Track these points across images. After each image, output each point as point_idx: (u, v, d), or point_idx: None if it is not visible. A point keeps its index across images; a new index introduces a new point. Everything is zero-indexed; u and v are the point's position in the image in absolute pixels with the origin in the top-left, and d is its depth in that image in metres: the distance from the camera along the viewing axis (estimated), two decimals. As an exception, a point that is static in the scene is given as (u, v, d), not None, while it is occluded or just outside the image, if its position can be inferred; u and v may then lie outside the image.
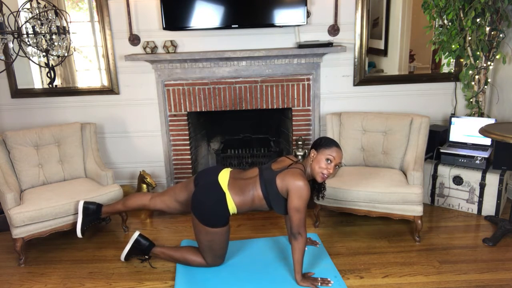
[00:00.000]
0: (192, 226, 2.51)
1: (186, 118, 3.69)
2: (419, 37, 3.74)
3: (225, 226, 2.44)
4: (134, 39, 3.51)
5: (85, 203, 2.81)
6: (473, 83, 3.44)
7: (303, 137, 3.65)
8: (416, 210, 2.79)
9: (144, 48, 3.46)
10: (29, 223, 2.70)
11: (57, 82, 3.70)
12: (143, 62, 3.56)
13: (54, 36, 2.78)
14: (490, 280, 2.40)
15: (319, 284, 2.36)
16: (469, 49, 3.30)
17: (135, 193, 2.89)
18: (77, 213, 2.82)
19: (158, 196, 2.74)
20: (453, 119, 3.43)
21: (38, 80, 3.71)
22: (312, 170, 2.41)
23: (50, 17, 2.72)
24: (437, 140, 3.44)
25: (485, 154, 3.18)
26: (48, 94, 3.65)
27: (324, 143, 2.40)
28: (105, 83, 3.65)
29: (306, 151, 3.60)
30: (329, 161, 2.36)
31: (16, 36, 2.60)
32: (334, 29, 3.52)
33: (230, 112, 3.82)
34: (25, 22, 2.69)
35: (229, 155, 4.05)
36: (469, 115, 3.55)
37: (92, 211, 2.81)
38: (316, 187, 2.55)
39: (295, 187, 2.27)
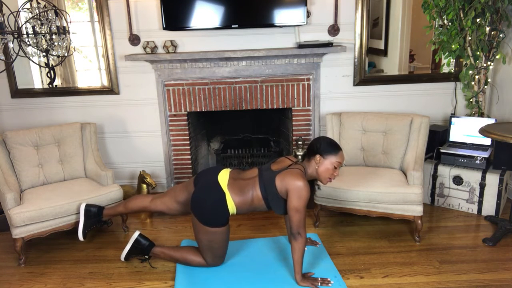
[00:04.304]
0: (192, 226, 2.51)
1: (186, 118, 3.69)
2: (419, 37, 3.74)
3: (224, 226, 2.44)
4: (134, 39, 3.51)
5: (87, 205, 2.81)
6: (473, 83, 3.44)
7: (303, 137, 3.65)
8: (416, 210, 2.79)
9: (144, 48, 3.46)
10: (29, 223, 2.70)
11: (57, 82, 3.70)
12: (143, 62, 3.57)
13: (54, 36, 2.78)
14: (490, 280, 2.40)
15: (319, 284, 2.36)
16: (469, 49, 3.30)
17: (136, 195, 2.89)
18: (77, 213, 2.83)
19: (159, 198, 2.74)
20: (453, 119, 3.43)
21: (38, 80, 3.71)
22: (318, 175, 2.42)
23: (50, 17, 2.72)
24: (437, 140, 3.44)
25: (485, 154, 3.18)
26: (48, 94, 3.65)
27: (329, 148, 2.39)
28: (105, 83, 3.65)
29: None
30: (336, 168, 2.41)
31: (16, 36, 2.60)
32: (334, 29, 3.52)
33: (230, 112, 3.82)
34: (25, 22, 2.69)
35: (229, 155, 4.05)
36: (469, 115, 3.55)
37: (94, 213, 2.82)
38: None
39: (294, 187, 2.27)
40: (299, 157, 3.51)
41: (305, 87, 3.62)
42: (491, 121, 3.22)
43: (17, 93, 3.63)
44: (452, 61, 3.53)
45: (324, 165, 2.39)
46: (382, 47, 3.85)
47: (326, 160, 2.39)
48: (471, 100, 3.50)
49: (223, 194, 2.38)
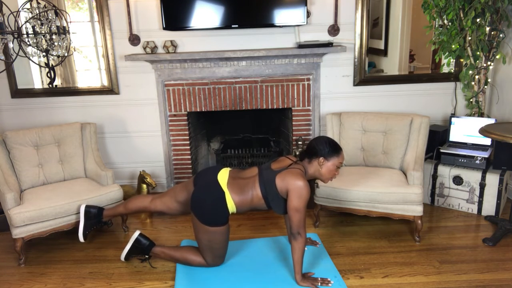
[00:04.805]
0: (192, 225, 2.51)
1: (186, 118, 3.69)
2: (419, 37, 3.74)
3: (224, 225, 2.44)
4: (134, 39, 3.51)
5: (87, 206, 2.81)
6: (473, 83, 3.44)
7: (303, 137, 3.65)
8: (416, 210, 2.79)
9: (144, 48, 3.46)
10: (29, 223, 2.70)
11: (57, 82, 3.70)
12: (143, 62, 3.56)
13: (54, 36, 2.78)
14: (490, 280, 2.40)
15: (319, 284, 2.36)
16: (469, 49, 3.30)
17: (136, 196, 2.89)
18: (77, 213, 2.83)
19: (159, 198, 2.74)
20: (453, 119, 3.43)
21: (38, 80, 3.71)
22: (321, 176, 2.44)
23: (50, 17, 2.72)
24: (437, 140, 3.44)
25: (485, 154, 3.17)
26: (48, 94, 3.65)
27: (332, 151, 2.40)
28: (105, 83, 3.65)
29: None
30: (338, 168, 2.45)
31: (16, 36, 2.60)
32: (334, 29, 3.52)
33: (230, 112, 3.82)
34: (25, 22, 2.69)
35: (229, 155, 4.04)
36: (469, 115, 3.55)
37: (94, 214, 2.82)
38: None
39: (295, 187, 2.27)
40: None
41: (305, 87, 3.62)
42: (491, 121, 3.22)
43: (17, 93, 3.63)
44: (452, 61, 3.53)
45: (327, 166, 2.41)
46: (382, 47, 3.85)
47: (329, 162, 2.40)
48: (471, 100, 3.50)
49: (223, 193, 2.38)
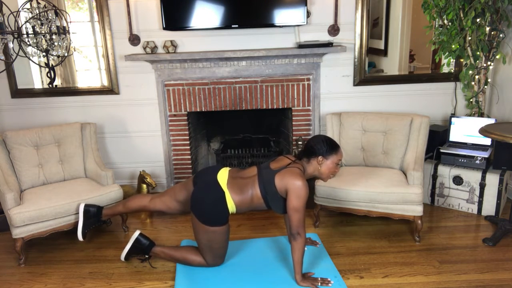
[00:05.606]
0: (192, 225, 2.51)
1: (186, 118, 3.69)
2: (419, 37, 3.74)
3: (224, 225, 2.44)
4: (134, 39, 3.51)
5: (86, 205, 2.81)
6: (473, 83, 3.44)
7: (303, 137, 3.65)
8: (416, 210, 2.79)
9: (144, 48, 3.46)
10: (29, 223, 2.70)
11: (57, 82, 3.70)
12: (143, 62, 3.57)
13: (54, 36, 2.78)
14: (490, 280, 2.40)
15: (319, 284, 2.36)
16: (469, 49, 3.30)
17: (136, 195, 2.90)
18: (77, 213, 2.82)
19: (158, 197, 2.74)
20: (453, 119, 3.43)
21: (38, 80, 3.71)
22: (321, 174, 2.45)
23: (50, 17, 2.72)
24: (437, 140, 3.44)
25: (485, 154, 3.18)
26: (48, 94, 3.65)
27: (330, 149, 2.41)
28: (105, 83, 3.65)
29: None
30: (338, 165, 2.45)
31: (16, 36, 2.60)
32: (334, 29, 3.52)
33: (230, 112, 3.82)
34: (25, 22, 2.69)
35: (229, 155, 4.04)
36: (469, 115, 3.55)
37: (93, 213, 2.82)
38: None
39: (294, 187, 2.27)
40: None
41: (305, 87, 3.62)
42: (491, 121, 3.22)
43: (17, 93, 3.63)
44: (452, 61, 3.53)
45: (326, 164, 2.41)
46: (382, 47, 3.85)
47: (328, 160, 2.40)
48: (471, 100, 3.50)
49: (223, 193, 2.38)
